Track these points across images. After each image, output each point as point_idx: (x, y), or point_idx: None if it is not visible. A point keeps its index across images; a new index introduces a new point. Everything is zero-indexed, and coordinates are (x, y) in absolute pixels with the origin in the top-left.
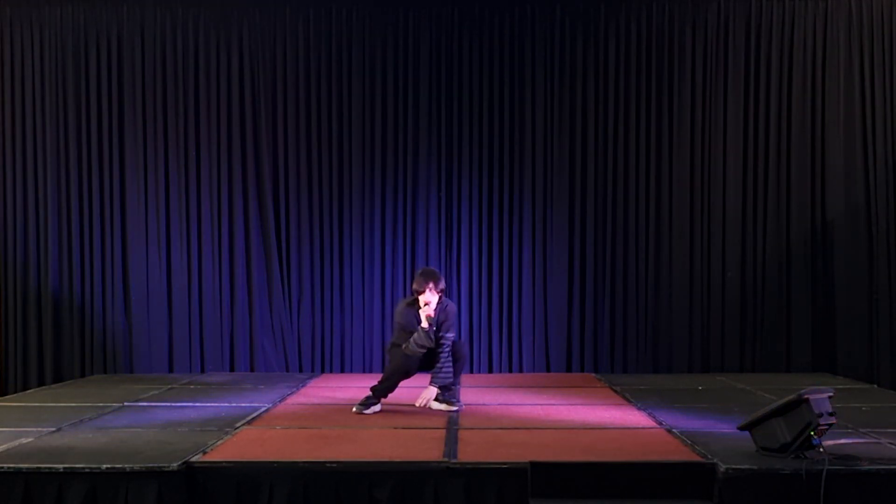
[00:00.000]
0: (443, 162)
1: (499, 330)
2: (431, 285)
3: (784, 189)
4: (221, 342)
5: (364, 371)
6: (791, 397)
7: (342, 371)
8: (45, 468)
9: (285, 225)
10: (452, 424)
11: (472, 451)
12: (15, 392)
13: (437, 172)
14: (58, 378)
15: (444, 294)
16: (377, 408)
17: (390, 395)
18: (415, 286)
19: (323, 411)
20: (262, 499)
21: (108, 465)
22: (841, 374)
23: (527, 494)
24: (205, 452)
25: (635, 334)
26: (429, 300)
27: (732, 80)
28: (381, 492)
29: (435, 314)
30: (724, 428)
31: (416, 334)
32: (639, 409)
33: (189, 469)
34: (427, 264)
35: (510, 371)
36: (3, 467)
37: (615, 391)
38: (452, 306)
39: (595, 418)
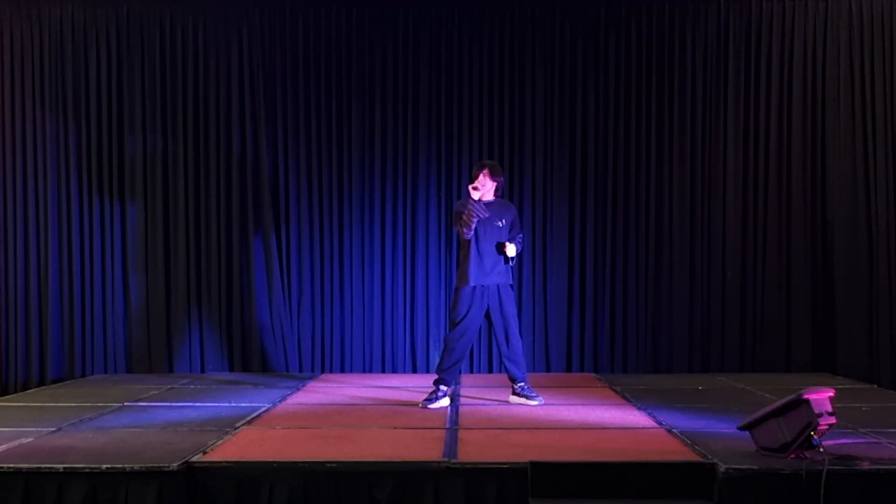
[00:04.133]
0: (443, 162)
1: None
2: (486, 171)
3: (784, 189)
4: (221, 342)
5: (364, 371)
6: (791, 397)
7: (342, 371)
8: (45, 468)
9: (285, 225)
10: (452, 424)
11: (472, 451)
12: (15, 392)
13: (437, 172)
14: (58, 378)
15: (501, 196)
16: (445, 401)
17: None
18: (472, 173)
19: (323, 411)
20: (262, 499)
21: (108, 465)
22: (841, 374)
23: (527, 494)
24: (205, 452)
25: (635, 334)
26: (481, 184)
27: (732, 80)
28: (381, 492)
29: (484, 195)
30: (724, 428)
31: (467, 208)
32: (639, 409)
33: (189, 469)
34: (427, 264)
35: None
36: (3, 467)
37: (615, 391)
38: (513, 206)
39: (595, 418)
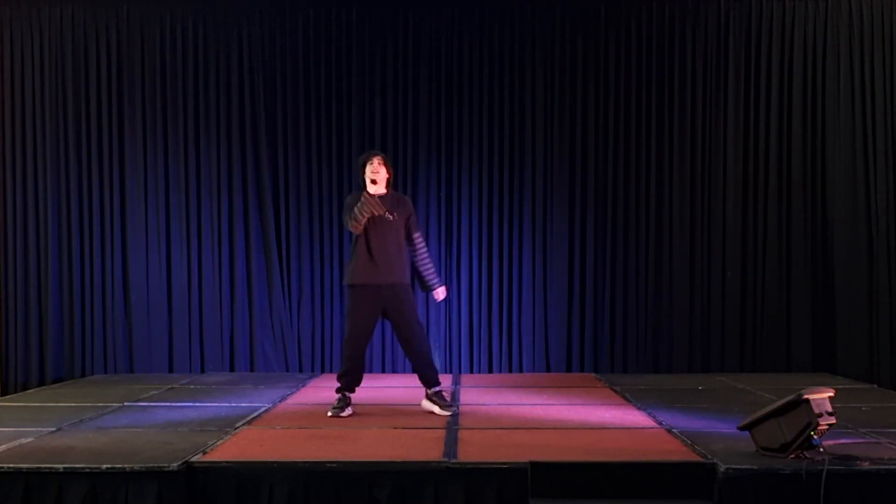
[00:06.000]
0: (443, 162)
1: (499, 330)
2: (380, 158)
3: (784, 189)
4: (221, 342)
5: (364, 371)
6: (791, 397)
7: None
8: (45, 468)
9: (285, 225)
10: (452, 424)
11: (472, 451)
12: (15, 392)
13: (437, 172)
14: (58, 378)
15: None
16: (350, 410)
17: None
18: (360, 160)
19: (323, 411)
20: (262, 499)
21: (108, 465)
22: (841, 374)
23: (527, 494)
24: (205, 452)
25: (635, 334)
26: (377, 170)
27: (732, 80)
28: (381, 492)
29: (386, 192)
30: (724, 428)
31: (360, 202)
32: (639, 409)
33: (189, 469)
34: None
35: (510, 371)
36: (3, 467)
37: (615, 391)
38: (409, 201)
39: (595, 418)
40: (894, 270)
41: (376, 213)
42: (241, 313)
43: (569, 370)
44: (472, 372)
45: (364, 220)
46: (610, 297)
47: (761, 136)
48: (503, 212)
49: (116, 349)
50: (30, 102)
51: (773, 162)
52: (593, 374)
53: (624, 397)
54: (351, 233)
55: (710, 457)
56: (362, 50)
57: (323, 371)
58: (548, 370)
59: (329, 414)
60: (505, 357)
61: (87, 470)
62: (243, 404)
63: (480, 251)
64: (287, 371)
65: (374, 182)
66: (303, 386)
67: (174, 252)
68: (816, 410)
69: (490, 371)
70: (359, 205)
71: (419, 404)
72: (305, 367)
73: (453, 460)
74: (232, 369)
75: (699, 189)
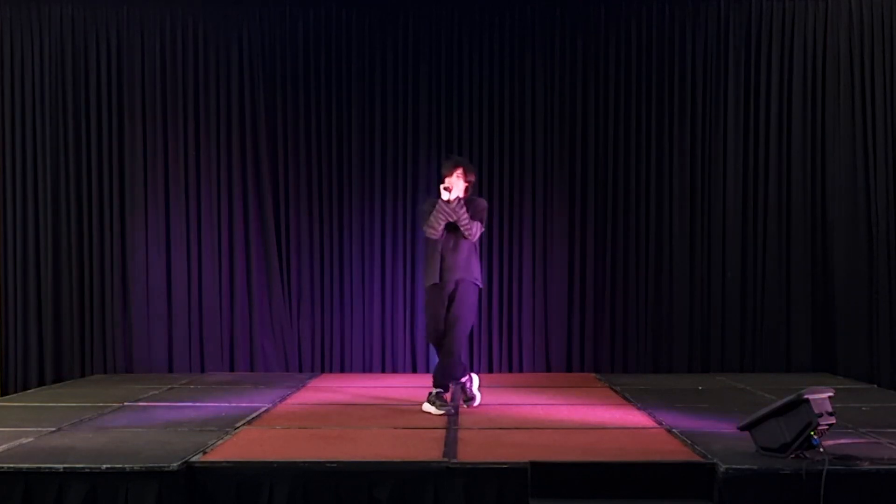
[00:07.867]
0: (442, 161)
1: (499, 330)
2: (460, 171)
3: (784, 189)
4: (221, 342)
5: (364, 371)
6: (791, 397)
7: (342, 371)
8: (45, 468)
9: (285, 225)
10: (452, 424)
11: (472, 451)
12: (15, 392)
13: (437, 172)
14: (58, 378)
15: (473, 193)
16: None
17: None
18: (442, 170)
19: (323, 411)
20: (262, 499)
21: (108, 465)
22: (841, 374)
23: (527, 494)
24: (205, 452)
25: (635, 334)
26: (452, 185)
27: (732, 80)
28: (381, 492)
29: (459, 200)
30: (724, 428)
31: (435, 209)
32: (639, 409)
33: (189, 469)
34: None
35: (510, 371)
36: (3, 467)
37: (615, 391)
38: (483, 201)
39: (595, 418)
40: (894, 270)
41: (451, 220)
42: (241, 313)
43: (569, 370)
44: (471, 372)
45: (441, 228)
46: (610, 298)
47: (761, 136)
48: (503, 211)
49: (116, 349)
50: (30, 102)
51: (773, 162)
52: (593, 374)
53: (624, 397)
54: (425, 236)
55: (710, 457)
56: (362, 50)
57: (323, 371)
58: (548, 370)
59: (440, 412)
60: (505, 357)
61: (87, 470)
62: (243, 404)
63: (481, 251)
64: (287, 371)
65: (447, 189)
66: (303, 386)
67: (174, 252)
68: (816, 410)
69: (490, 371)
70: (434, 213)
71: (419, 405)
72: (305, 367)
73: (453, 460)
74: (232, 369)
75: (699, 189)
